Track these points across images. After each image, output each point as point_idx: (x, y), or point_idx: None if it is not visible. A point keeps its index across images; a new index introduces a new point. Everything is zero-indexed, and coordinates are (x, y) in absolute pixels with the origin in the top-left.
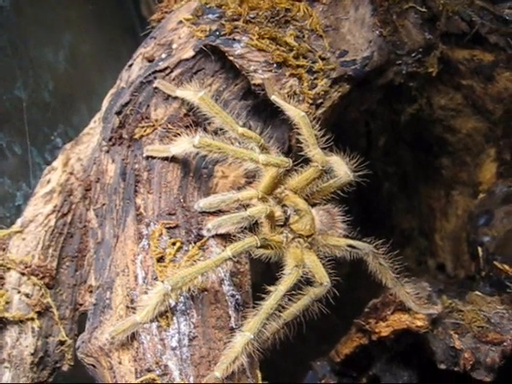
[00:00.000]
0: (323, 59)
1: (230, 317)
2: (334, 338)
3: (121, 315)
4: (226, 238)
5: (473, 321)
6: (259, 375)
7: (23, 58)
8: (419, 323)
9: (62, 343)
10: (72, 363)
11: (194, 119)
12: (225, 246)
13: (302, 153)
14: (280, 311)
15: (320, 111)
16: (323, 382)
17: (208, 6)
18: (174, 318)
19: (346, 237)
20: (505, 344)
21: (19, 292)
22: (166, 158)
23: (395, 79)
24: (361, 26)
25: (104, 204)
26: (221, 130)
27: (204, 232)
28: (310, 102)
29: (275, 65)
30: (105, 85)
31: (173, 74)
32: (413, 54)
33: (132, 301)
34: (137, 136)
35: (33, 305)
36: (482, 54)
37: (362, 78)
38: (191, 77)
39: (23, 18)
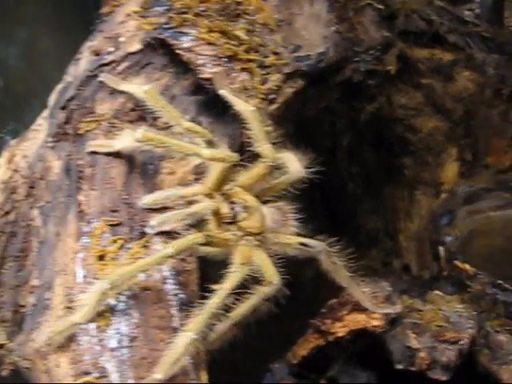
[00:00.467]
0: (275, 54)
1: (172, 316)
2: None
3: (60, 316)
4: (171, 235)
5: (432, 320)
6: (205, 377)
7: None
8: (375, 323)
9: (1, 346)
10: (12, 367)
11: (141, 114)
12: None
13: (251, 148)
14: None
15: (273, 107)
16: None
17: None
18: (114, 318)
19: (299, 235)
20: (461, 343)
21: None
22: (110, 154)
23: (353, 76)
24: (316, 22)
25: (48, 202)
26: (166, 124)
27: (148, 229)
28: (262, 97)
29: (225, 59)
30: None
31: (119, 68)
32: (371, 52)
33: (71, 301)
34: (82, 131)
35: None
36: (441, 53)
37: (316, 74)
38: (139, 71)
39: None
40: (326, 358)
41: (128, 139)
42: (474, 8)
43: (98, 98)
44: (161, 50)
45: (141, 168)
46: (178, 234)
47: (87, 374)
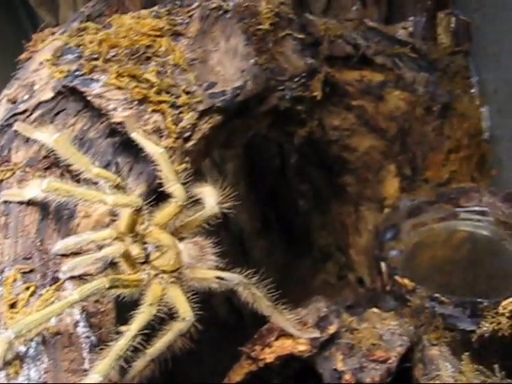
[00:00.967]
0: (188, 93)
1: (84, 359)
2: None
3: None
4: (84, 279)
5: (364, 339)
6: None
7: None
8: (302, 348)
9: None
10: None
11: (54, 161)
12: None
13: (163, 189)
14: (145, 347)
15: (189, 144)
16: None
17: (68, 47)
18: (24, 365)
19: (218, 268)
20: (390, 361)
21: None
22: (23, 202)
23: (280, 104)
24: (233, 57)
25: None
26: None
27: (60, 275)
28: (175, 136)
29: (136, 102)
30: None
31: (33, 116)
32: (296, 79)
33: None
34: None
35: None
36: (370, 74)
37: (235, 108)
38: (53, 118)
39: None
40: (262, 382)
41: (35, 189)
42: (408, 26)
43: (13, 147)
44: (73, 97)
45: (55, 213)
46: (91, 276)
47: None
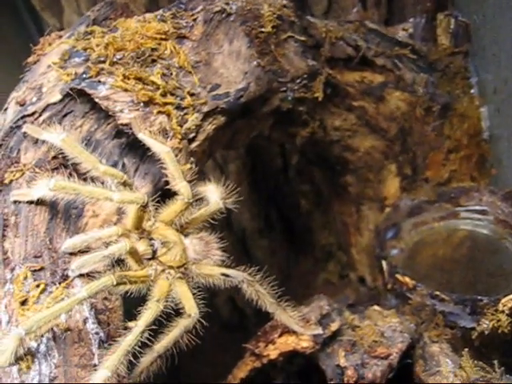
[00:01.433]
0: (192, 95)
1: (93, 354)
2: None
3: None
4: (92, 275)
5: (366, 336)
6: None
7: None
8: (304, 344)
9: None
10: None
11: (62, 162)
12: None
13: (169, 187)
14: (153, 343)
15: (194, 145)
16: None
17: (75, 50)
18: (35, 360)
19: (223, 263)
20: (391, 358)
21: None
22: (32, 202)
23: (282, 105)
24: (236, 59)
25: None
26: (85, 169)
27: (69, 273)
28: (180, 137)
29: (142, 104)
30: None
31: (41, 118)
32: (297, 81)
33: None
34: (7, 181)
35: None
36: (371, 75)
37: (238, 109)
38: (61, 120)
39: None
40: (266, 379)
41: (43, 188)
42: (408, 28)
43: (22, 148)
44: (80, 99)
45: (64, 213)
46: (99, 273)
47: None
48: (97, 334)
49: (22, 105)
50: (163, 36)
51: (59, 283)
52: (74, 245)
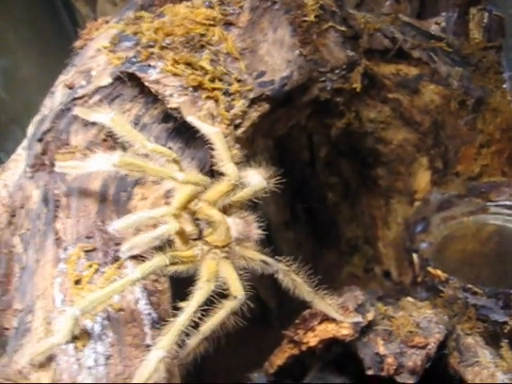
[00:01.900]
0: (239, 81)
1: (146, 334)
2: None
3: (40, 338)
4: (142, 257)
5: (402, 326)
6: None
7: None
8: (345, 332)
9: None
10: None
11: (112, 144)
12: None
13: (216, 167)
14: (198, 325)
15: (240, 131)
16: None
17: (125, 34)
18: (91, 339)
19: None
20: (429, 347)
21: None
22: (84, 184)
23: (321, 95)
24: (280, 47)
25: (28, 229)
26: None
27: (120, 254)
28: (228, 122)
29: (191, 88)
30: None
31: (91, 101)
32: (336, 71)
33: (51, 323)
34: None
35: None
36: (407, 68)
37: (281, 97)
38: (110, 103)
39: None
40: (302, 366)
41: (104, 163)
42: (440, 21)
43: (72, 130)
44: (130, 83)
45: (114, 195)
46: (148, 254)
47: None
48: (149, 314)
49: (70, 88)
50: (211, 22)
51: (111, 264)
52: (126, 225)
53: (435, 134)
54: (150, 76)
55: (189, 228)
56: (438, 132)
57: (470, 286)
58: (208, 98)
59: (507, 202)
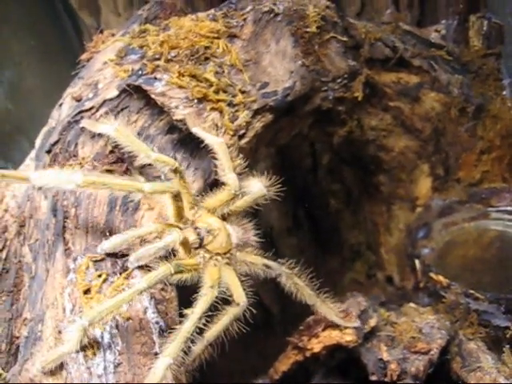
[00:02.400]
0: (243, 92)
1: (154, 343)
2: None
3: (51, 346)
4: (149, 266)
5: (405, 332)
6: None
7: None
8: (348, 338)
9: None
10: None
11: (119, 156)
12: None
13: (218, 177)
14: (202, 331)
15: (243, 141)
16: None
17: (131, 47)
18: (100, 347)
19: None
20: (432, 353)
21: None
22: (92, 194)
23: (323, 104)
24: (282, 58)
25: (37, 239)
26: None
27: (128, 264)
28: (232, 133)
29: (196, 100)
30: None
31: (98, 114)
32: (338, 80)
33: (61, 332)
34: None
35: None
36: (407, 76)
37: (284, 108)
38: (116, 115)
39: None
40: (306, 373)
41: (67, 184)
42: (440, 29)
43: (79, 142)
44: (136, 95)
45: (122, 205)
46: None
47: None
48: (157, 323)
49: (78, 100)
50: (215, 35)
51: (120, 273)
52: (114, 245)
53: (436, 141)
54: (156, 88)
55: (192, 237)
56: (438, 139)
57: (471, 291)
58: (213, 109)
59: (508, 208)
